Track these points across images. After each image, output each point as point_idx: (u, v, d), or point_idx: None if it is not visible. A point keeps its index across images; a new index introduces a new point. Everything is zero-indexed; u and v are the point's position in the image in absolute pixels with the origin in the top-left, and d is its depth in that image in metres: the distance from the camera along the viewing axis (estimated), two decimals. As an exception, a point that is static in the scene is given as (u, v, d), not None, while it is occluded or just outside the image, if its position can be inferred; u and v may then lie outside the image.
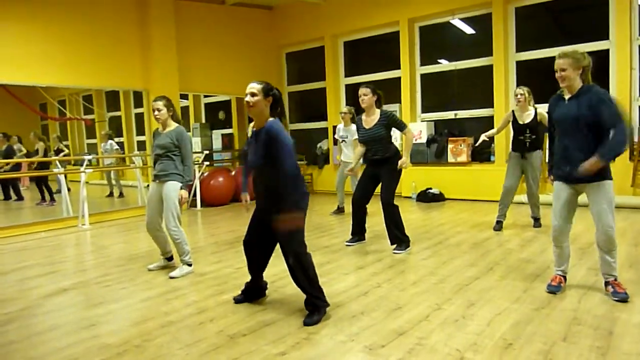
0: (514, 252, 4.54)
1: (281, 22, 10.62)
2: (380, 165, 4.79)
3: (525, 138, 5.46)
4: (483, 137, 5.84)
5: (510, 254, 4.48)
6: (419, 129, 8.83)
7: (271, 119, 3.06)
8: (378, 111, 4.84)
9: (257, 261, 3.41)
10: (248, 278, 4.01)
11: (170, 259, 4.52)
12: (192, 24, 9.05)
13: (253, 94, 3.02)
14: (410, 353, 2.52)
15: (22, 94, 8.74)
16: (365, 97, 4.79)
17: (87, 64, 7.50)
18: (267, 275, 4.06)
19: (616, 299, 3.15)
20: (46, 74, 7.15)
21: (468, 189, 8.16)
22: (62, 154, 9.25)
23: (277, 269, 4.28)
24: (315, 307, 3.06)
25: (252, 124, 3.22)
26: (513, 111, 5.64)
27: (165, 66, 8.28)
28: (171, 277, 4.11)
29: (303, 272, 3.06)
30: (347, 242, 5.17)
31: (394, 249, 4.75)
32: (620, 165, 6.99)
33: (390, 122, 4.80)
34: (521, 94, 5.47)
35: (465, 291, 3.48)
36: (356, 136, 6.33)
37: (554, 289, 3.37)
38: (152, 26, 8.15)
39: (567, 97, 3.28)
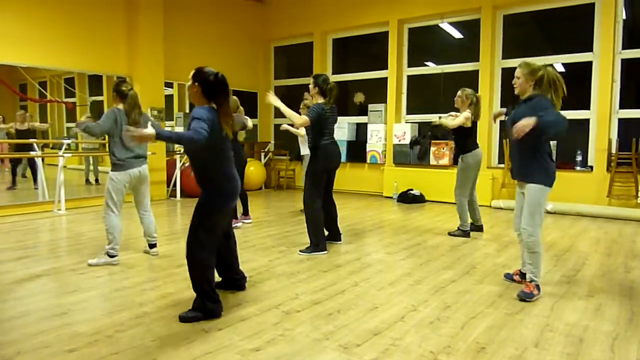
0: (490, 257, 4.60)
1: (271, 15, 10.55)
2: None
3: (455, 143, 5.43)
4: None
5: (487, 258, 4.53)
6: (403, 130, 8.88)
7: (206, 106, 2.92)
8: (321, 100, 4.72)
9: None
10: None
11: (152, 246, 4.49)
12: (180, 12, 8.94)
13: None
14: (384, 353, 2.53)
15: (1, 74, 8.53)
16: (310, 88, 4.77)
17: (70, 46, 7.35)
18: (242, 270, 4.05)
19: (518, 297, 3.39)
20: (27, 54, 6.98)
21: (449, 192, 8.13)
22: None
23: (255, 263, 4.28)
24: (198, 305, 2.97)
25: None
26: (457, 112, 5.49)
27: (151, 53, 8.16)
28: (89, 264, 4.14)
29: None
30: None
31: (299, 250, 4.71)
32: (598, 176, 7.14)
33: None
34: (458, 96, 5.36)
35: (441, 293, 3.51)
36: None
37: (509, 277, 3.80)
38: (140, 12, 8.02)
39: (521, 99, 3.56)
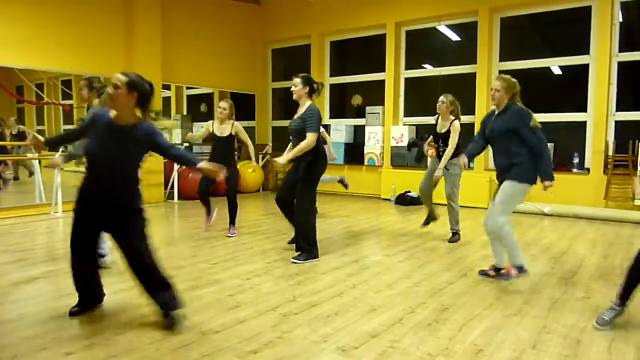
0: (488, 259, 4.59)
1: (269, 18, 10.57)
2: (298, 162, 4.48)
3: (440, 147, 5.27)
4: (427, 151, 5.50)
5: (485, 260, 4.53)
6: (401, 132, 8.89)
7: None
8: (308, 103, 4.46)
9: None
10: (223, 274, 4.00)
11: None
12: (178, 14, 8.94)
13: (116, 86, 2.73)
14: (382, 355, 2.53)
15: (-2, 76, 8.51)
16: (295, 87, 4.47)
17: (67, 48, 7.35)
18: (240, 272, 4.05)
19: (481, 273, 3.95)
20: (23, 57, 6.98)
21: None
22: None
23: (252, 266, 4.27)
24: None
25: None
26: (437, 118, 5.39)
27: (149, 55, 8.15)
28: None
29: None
30: (289, 242, 5.01)
31: (292, 258, 4.46)
32: (594, 178, 7.17)
33: (305, 118, 4.38)
34: (442, 102, 5.20)
35: (439, 295, 3.51)
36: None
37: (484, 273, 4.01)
38: (137, 14, 8.02)
39: (496, 112, 3.83)
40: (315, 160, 4.41)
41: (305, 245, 4.46)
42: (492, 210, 3.76)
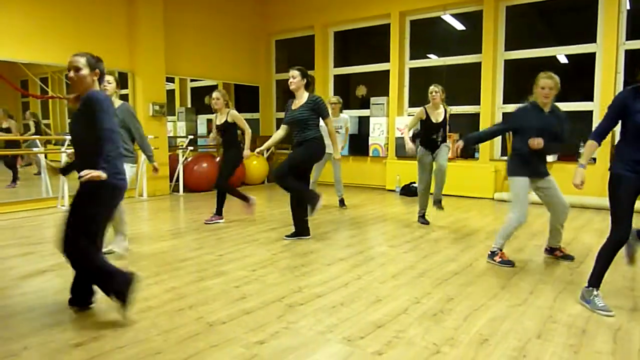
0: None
1: (272, 9, 10.52)
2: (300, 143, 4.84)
3: (438, 137, 5.49)
4: (409, 143, 5.69)
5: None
6: (406, 123, 8.84)
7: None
8: (306, 94, 4.80)
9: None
10: (229, 265, 4.02)
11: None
12: (180, 6, 8.91)
13: (77, 69, 2.76)
14: (387, 345, 2.54)
15: (2, 70, 8.54)
16: (294, 79, 4.77)
17: (70, 41, 7.34)
18: (246, 264, 4.08)
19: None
20: (27, 51, 6.99)
21: (451, 185, 8.16)
22: (28, 132, 8.98)
23: (258, 257, 4.29)
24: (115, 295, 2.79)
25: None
26: (426, 109, 5.56)
27: (152, 48, 8.15)
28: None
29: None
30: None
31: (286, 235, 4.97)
32: (601, 168, 7.12)
33: (315, 107, 4.73)
34: (436, 92, 5.44)
35: (444, 286, 3.52)
36: (345, 125, 6.42)
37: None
38: (140, 6, 8.00)
39: (546, 110, 3.91)
40: (311, 141, 4.77)
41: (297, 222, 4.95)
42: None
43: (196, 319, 2.89)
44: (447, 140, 5.67)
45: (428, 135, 5.53)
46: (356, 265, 4.05)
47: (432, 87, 5.49)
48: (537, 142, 3.77)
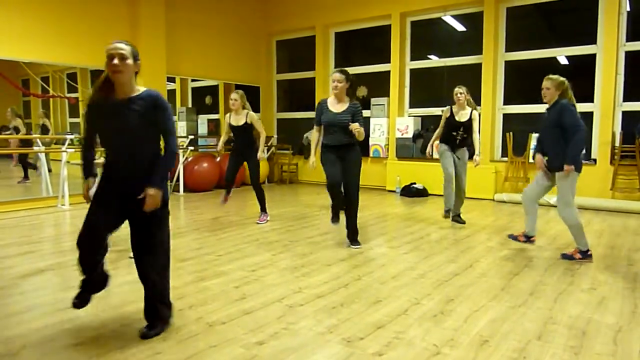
0: (493, 250, 4.60)
1: (273, 9, 10.52)
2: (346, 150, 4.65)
3: (458, 135, 5.58)
4: (430, 147, 5.86)
5: (490, 252, 4.53)
6: (406, 123, 8.86)
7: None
8: (347, 98, 4.65)
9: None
10: (229, 265, 4.02)
11: None
12: (182, 6, 8.92)
13: (123, 57, 2.52)
14: (387, 346, 2.54)
15: (4, 69, 8.54)
16: (339, 84, 4.57)
17: (72, 41, 7.35)
18: (246, 264, 4.08)
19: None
20: (28, 50, 6.99)
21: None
22: (49, 133, 9.01)
23: (258, 257, 4.29)
24: (159, 317, 2.71)
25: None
26: (451, 108, 5.64)
27: (153, 48, 8.14)
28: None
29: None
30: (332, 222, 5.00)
31: (351, 244, 4.76)
32: (601, 169, 7.13)
33: (354, 113, 4.57)
34: (461, 93, 5.54)
35: (444, 287, 3.52)
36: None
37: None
38: (141, 6, 8.01)
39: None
40: (359, 150, 4.71)
41: (356, 225, 4.78)
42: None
43: (196, 319, 2.89)
44: (477, 149, 5.61)
45: (449, 132, 5.64)
46: (356, 266, 4.05)
47: (456, 89, 5.60)
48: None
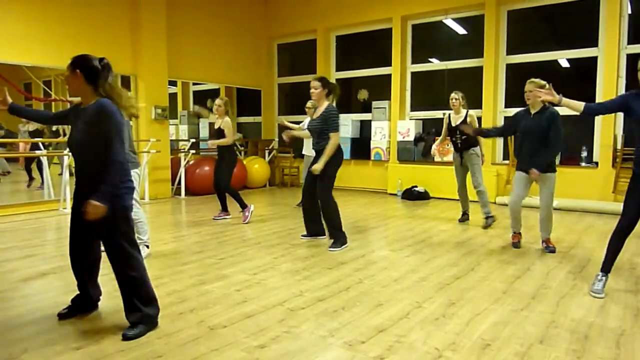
0: (495, 253, 4.59)
1: (274, 13, 10.55)
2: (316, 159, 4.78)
3: (457, 139, 5.82)
4: (435, 150, 6.31)
5: (492, 255, 4.52)
6: (407, 126, 8.87)
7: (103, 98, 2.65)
8: (326, 104, 4.73)
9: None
10: (230, 269, 4.02)
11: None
12: (183, 10, 8.95)
13: (68, 69, 2.70)
14: (389, 350, 2.53)
15: (6, 73, 8.57)
16: (315, 90, 4.69)
17: (73, 44, 7.35)
18: (247, 267, 4.08)
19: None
20: (31, 54, 7.01)
21: (453, 189, 8.18)
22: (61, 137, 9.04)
23: (259, 261, 4.29)
24: (142, 319, 2.73)
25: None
26: (450, 115, 5.95)
27: (155, 51, 8.17)
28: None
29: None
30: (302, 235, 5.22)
31: (329, 247, 4.73)
32: (603, 172, 7.11)
33: (326, 118, 4.64)
34: (456, 99, 5.80)
35: (446, 290, 3.51)
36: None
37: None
38: (143, 10, 8.03)
39: (532, 112, 4.47)
40: (334, 156, 4.66)
41: (335, 232, 4.79)
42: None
43: (197, 323, 2.89)
44: (479, 149, 5.86)
45: (450, 137, 5.95)
46: (357, 269, 4.04)
47: (452, 94, 5.86)
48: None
